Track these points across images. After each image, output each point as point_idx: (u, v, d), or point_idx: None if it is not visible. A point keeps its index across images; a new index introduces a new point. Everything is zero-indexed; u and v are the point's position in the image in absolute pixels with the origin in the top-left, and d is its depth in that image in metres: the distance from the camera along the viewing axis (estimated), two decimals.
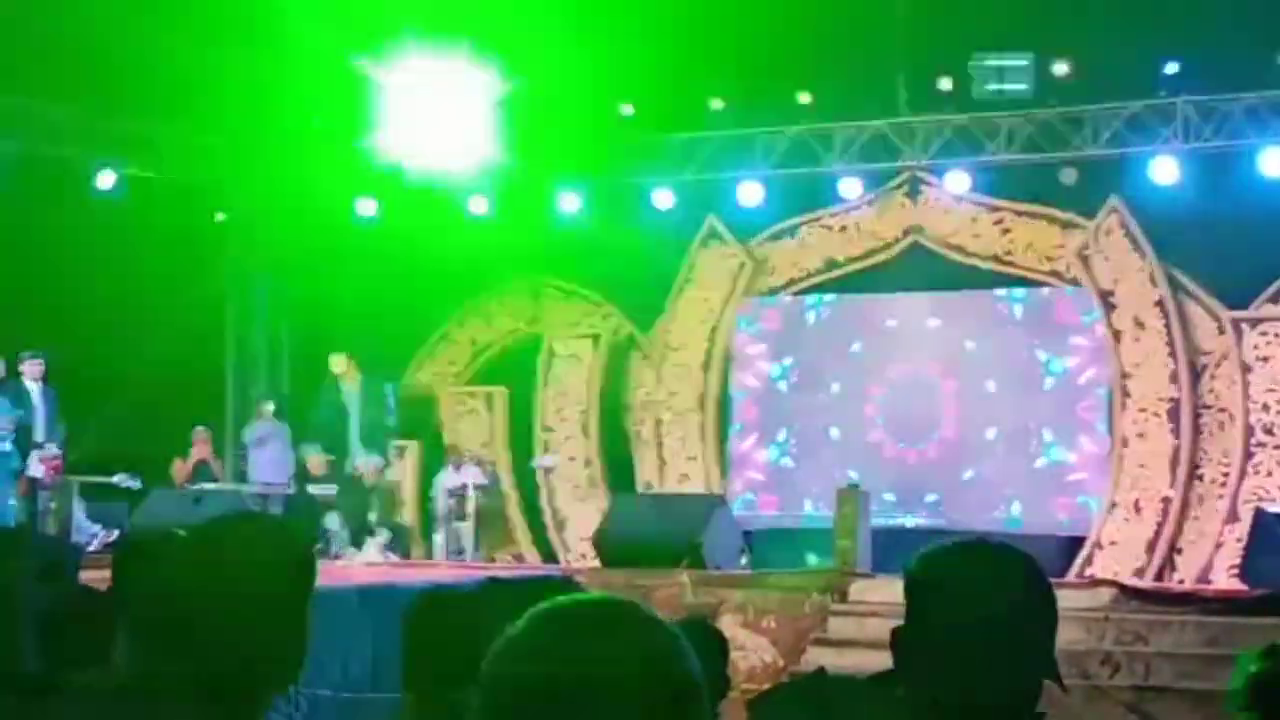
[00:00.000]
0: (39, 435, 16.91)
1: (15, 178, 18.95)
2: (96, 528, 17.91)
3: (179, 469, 20.51)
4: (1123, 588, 15.47)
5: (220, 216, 22.70)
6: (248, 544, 2.72)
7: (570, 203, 21.31)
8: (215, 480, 20.21)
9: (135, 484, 18.78)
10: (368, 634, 12.11)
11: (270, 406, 20.44)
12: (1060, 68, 19.09)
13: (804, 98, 20.21)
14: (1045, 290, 19.98)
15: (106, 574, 4.03)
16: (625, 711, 1.80)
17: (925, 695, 2.47)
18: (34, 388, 16.90)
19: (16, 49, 17.22)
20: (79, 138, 19.91)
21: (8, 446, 16.68)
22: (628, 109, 20.79)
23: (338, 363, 18.11)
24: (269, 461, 19.65)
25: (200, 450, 20.68)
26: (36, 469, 16.91)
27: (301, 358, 21.51)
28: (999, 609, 2.46)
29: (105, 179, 20.46)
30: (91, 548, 15.88)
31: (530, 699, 1.81)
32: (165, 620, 2.75)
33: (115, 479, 18.78)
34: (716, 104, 20.60)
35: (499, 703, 1.83)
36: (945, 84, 19.69)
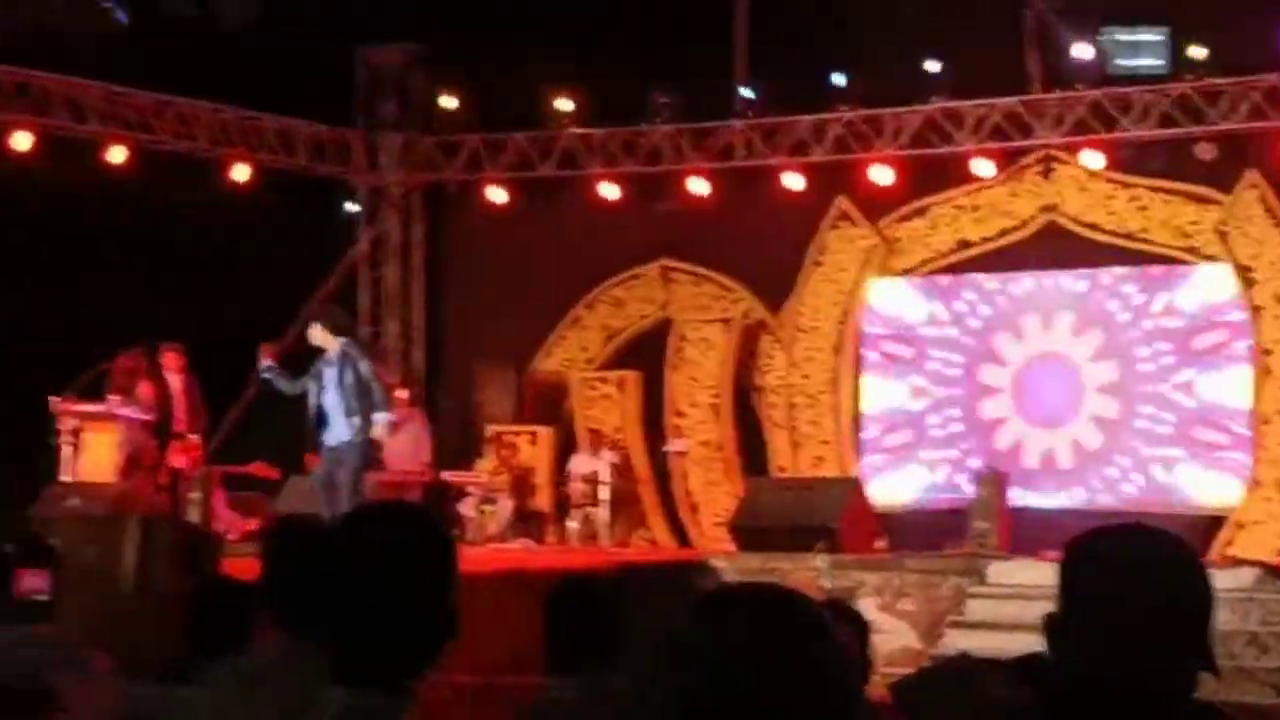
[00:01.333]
0: (179, 425, 17.03)
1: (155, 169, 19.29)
2: (236, 517, 18.11)
3: (315, 458, 20.66)
4: (1267, 567, 15.25)
5: (350, 207, 22.94)
6: (392, 530, 2.73)
7: (699, 186, 21.27)
8: None
9: (274, 473, 18.98)
10: (504, 619, 12.19)
11: (405, 393, 20.58)
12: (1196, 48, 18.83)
13: (933, 71, 20.04)
14: (1183, 267, 19.69)
15: (247, 563, 4.07)
16: (804, 696, 1.79)
17: (1080, 680, 2.44)
18: (174, 379, 17.01)
19: None
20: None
21: None
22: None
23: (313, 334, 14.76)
24: (404, 448, 19.76)
25: None
26: (178, 459, 17.05)
27: (434, 344, 21.71)
28: (1158, 593, 2.43)
29: (240, 171, 20.78)
30: (231, 537, 16.03)
31: (699, 686, 1.80)
32: (314, 606, 2.77)
33: (254, 468, 18.98)
34: (840, 81, 20.50)
35: (671, 689, 1.83)
36: (1079, 59, 19.46)
